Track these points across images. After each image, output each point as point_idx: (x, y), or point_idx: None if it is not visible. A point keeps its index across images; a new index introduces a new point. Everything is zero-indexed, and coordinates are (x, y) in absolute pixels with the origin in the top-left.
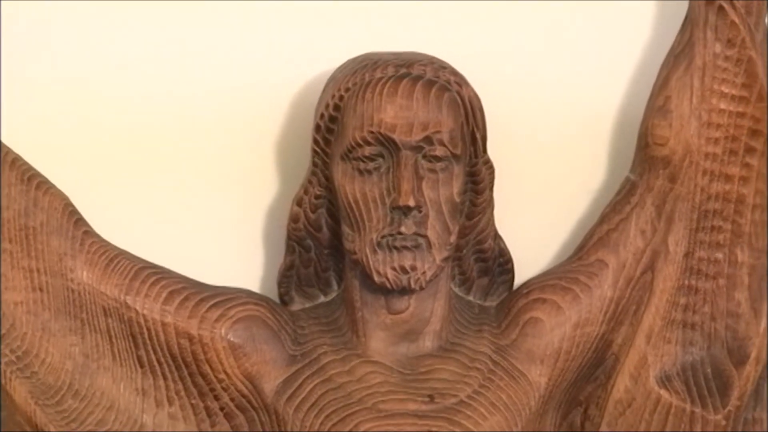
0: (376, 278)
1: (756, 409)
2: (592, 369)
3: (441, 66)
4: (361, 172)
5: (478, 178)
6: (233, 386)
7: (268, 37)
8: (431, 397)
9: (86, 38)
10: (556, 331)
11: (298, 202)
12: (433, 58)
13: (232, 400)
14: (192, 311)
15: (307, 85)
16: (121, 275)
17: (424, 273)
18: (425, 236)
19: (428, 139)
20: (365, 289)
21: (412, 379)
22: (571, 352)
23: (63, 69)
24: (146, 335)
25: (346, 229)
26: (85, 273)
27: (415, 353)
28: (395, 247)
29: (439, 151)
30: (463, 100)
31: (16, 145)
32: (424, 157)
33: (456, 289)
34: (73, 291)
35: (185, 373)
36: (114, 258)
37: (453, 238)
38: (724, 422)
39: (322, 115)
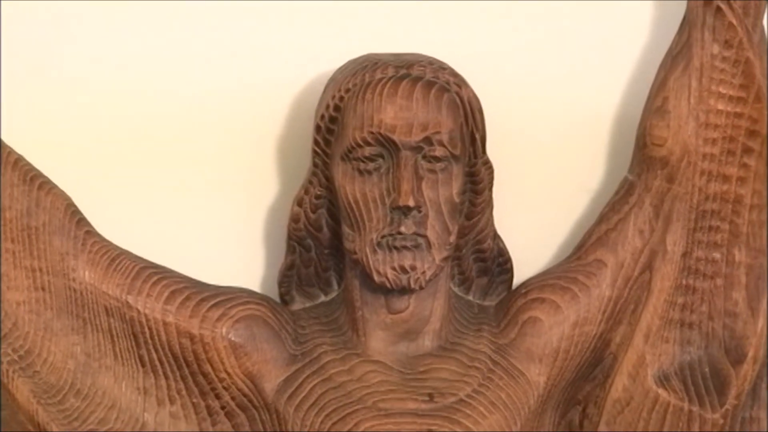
0: (376, 278)
1: (753, 408)
2: (591, 368)
3: (440, 67)
4: (361, 172)
5: (477, 179)
6: (234, 385)
7: (269, 37)
8: (431, 396)
9: (87, 38)
10: (555, 331)
11: (299, 202)
12: (432, 59)
13: (233, 399)
14: (193, 311)
15: (308, 85)
16: (123, 275)
17: (423, 273)
18: (425, 236)
19: (428, 140)
20: (365, 288)
21: (412, 378)
22: (570, 351)
23: (64, 69)
24: (148, 334)
25: (346, 229)
26: (87, 272)
27: (414, 352)
28: (395, 247)
29: (439, 152)
30: (462, 100)
31: (17, 145)
32: (424, 157)
33: (455, 289)
34: (75, 290)
35: (186, 372)
36: (116, 258)
37: (452, 238)
38: (721, 421)
39: (322, 116)
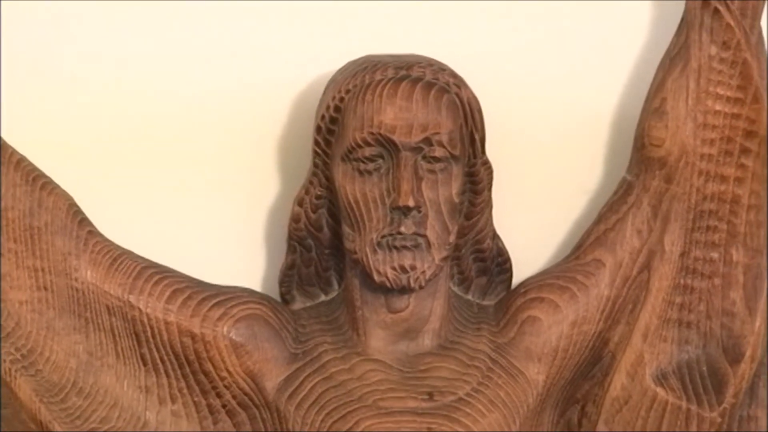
0: (376, 277)
1: (751, 407)
2: (589, 367)
3: (440, 68)
4: (361, 172)
5: (476, 179)
6: (235, 384)
7: (269, 37)
8: (430, 395)
9: (87, 38)
10: (554, 330)
11: (299, 203)
12: (432, 60)
13: (234, 397)
14: (194, 310)
15: (308, 86)
16: (125, 274)
17: (423, 272)
18: (424, 236)
19: (427, 141)
20: (365, 288)
21: (412, 376)
22: (569, 350)
23: (64, 69)
24: (149, 333)
25: (346, 229)
26: (89, 272)
27: (414, 351)
28: (395, 247)
29: (439, 152)
30: (462, 101)
31: (17, 145)
32: (424, 158)
33: (455, 288)
34: (77, 290)
35: (188, 371)
36: (118, 257)
37: (452, 238)
38: (719, 420)
39: (322, 117)
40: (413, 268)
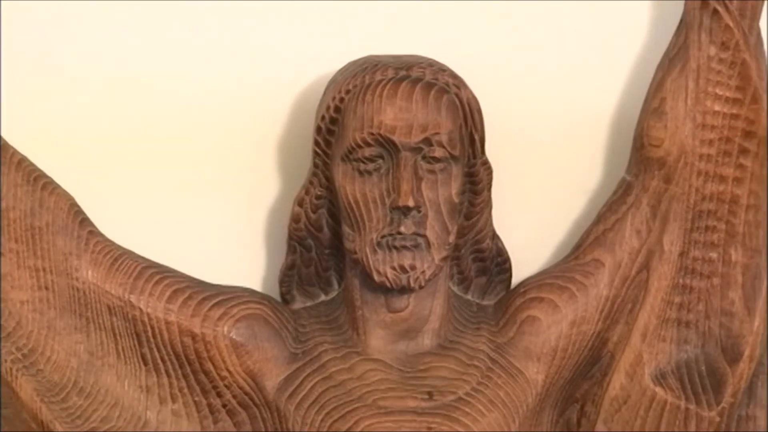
0: (376, 277)
1: (750, 406)
2: (588, 366)
3: (440, 68)
4: (361, 172)
5: (476, 179)
6: (235, 383)
7: (269, 37)
8: (430, 395)
9: (87, 38)
10: (553, 329)
11: (299, 203)
12: (432, 60)
13: (234, 397)
14: (195, 310)
15: (308, 86)
16: (126, 274)
17: (423, 272)
18: (424, 236)
19: (427, 141)
20: (365, 288)
21: (412, 376)
22: (568, 349)
23: (64, 69)
24: (150, 333)
25: (346, 229)
26: (90, 272)
27: (414, 351)
28: (395, 247)
29: (438, 153)
30: (461, 102)
31: (18, 144)
32: (424, 158)
33: (454, 288)
34: (78, 290)
35: (188, 370)
36: (118, 257)
37: (452, 238)
38: (718, 419)
39: (323, 117)
40: (413, 268)
